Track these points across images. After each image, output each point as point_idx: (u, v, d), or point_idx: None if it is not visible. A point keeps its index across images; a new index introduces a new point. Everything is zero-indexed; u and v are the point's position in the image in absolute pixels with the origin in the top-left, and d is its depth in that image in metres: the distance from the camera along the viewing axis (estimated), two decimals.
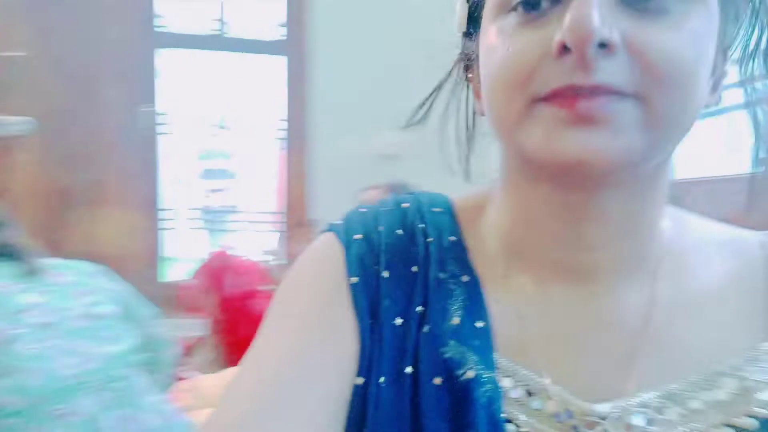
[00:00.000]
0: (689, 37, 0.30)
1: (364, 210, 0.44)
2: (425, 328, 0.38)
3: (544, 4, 0.32)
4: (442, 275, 0.40)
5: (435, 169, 0.48)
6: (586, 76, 0.30)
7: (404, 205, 0.44)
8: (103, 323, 1.00)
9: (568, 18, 0.30)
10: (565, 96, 0.31)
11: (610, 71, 0.30)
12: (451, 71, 0.44)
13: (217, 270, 2.04)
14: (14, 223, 1.08)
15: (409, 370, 0.37)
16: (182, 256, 2.60)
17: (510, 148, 0.37)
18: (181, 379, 1.89)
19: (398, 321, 0.39)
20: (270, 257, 1.98)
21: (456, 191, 0.46)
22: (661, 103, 0.31)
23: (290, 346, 0.37)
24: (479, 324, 0.38)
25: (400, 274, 0.40)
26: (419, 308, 0.39)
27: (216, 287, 2.03)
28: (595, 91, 0.30)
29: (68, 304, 0.97)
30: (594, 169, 0.31)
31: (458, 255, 0.41)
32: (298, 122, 2.48)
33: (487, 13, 0.36)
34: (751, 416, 0.35)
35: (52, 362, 0.89)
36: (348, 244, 0.41)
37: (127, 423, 0.93)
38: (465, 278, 0.40)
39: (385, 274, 0.40)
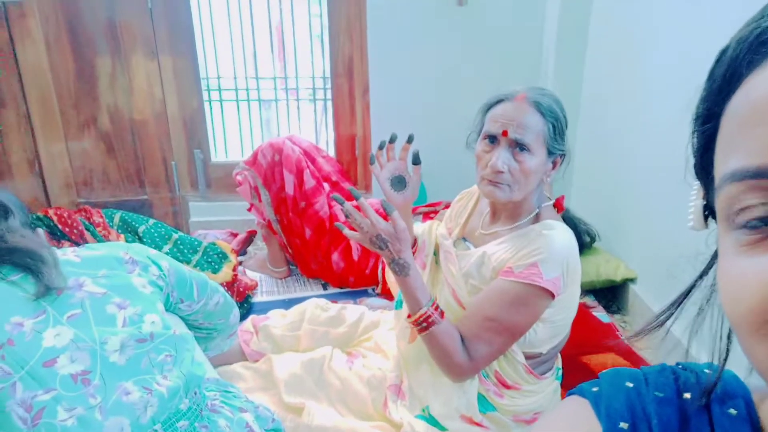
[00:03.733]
0: None
1: (630, 385, 0.37)
2: None
3: None
4: None
5: None
6: None
7: (686, 395, 0.36)
8: (148, 347, 0.79)
9: None
10: None
11: None
12: (702, 274, 0.34)
13: (270, 164, 1.75)
14: (22, 212, 0.82)
15: None
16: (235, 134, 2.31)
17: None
18: (236, 274, 1.76)
19: None
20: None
21: None
22: None
23: None
24: None
25: None
26: None
27: (268, 185, 1.77)
28: None
29: (103, 333, 0.76)
30: None
31: None
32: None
33: (719, 222, 0.29)
34: None
35: (99, 430, 0.70)
36: (610, 431, 0.35)
37: None
38: None
39: None
